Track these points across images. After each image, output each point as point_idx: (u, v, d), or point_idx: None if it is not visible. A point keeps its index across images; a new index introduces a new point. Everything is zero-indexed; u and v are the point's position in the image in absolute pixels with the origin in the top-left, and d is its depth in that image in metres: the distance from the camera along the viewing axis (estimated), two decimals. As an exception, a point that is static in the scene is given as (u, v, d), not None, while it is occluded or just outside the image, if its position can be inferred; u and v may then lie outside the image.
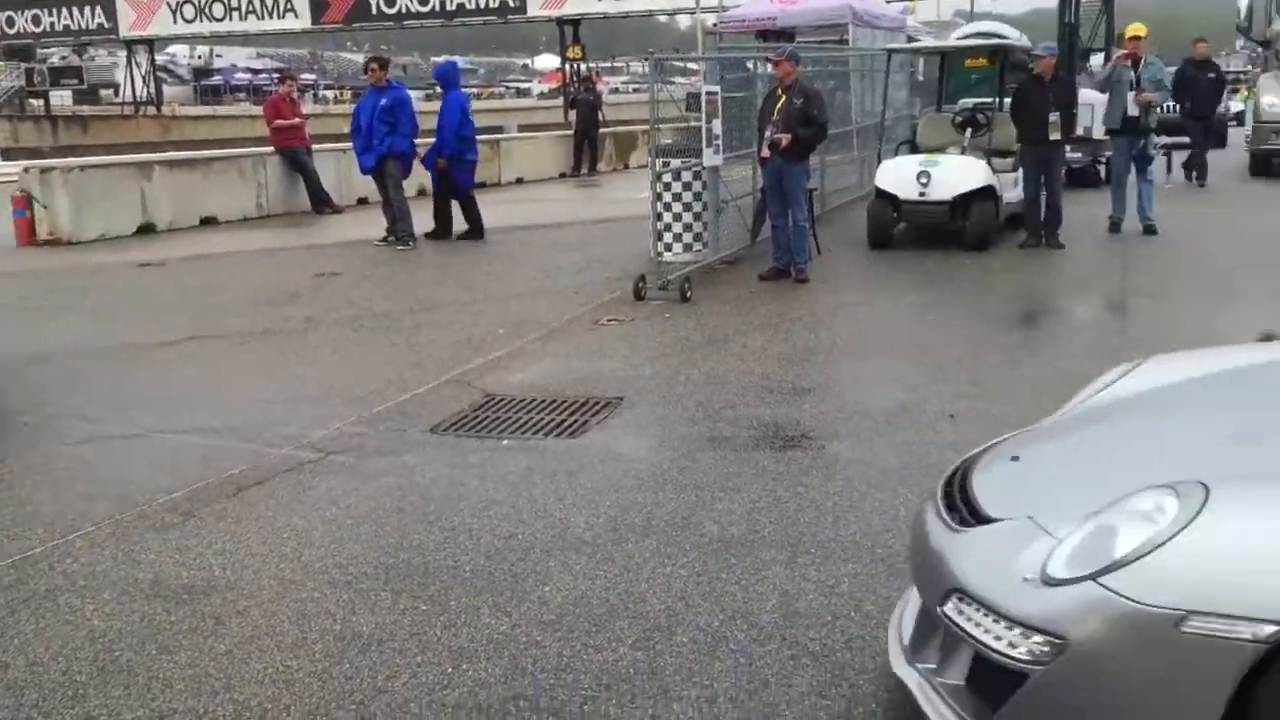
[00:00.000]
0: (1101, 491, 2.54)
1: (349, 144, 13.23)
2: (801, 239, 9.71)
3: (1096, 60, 24.79)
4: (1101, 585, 2.32)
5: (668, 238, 10.24)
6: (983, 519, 2.74)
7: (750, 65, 11.59)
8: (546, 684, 3.24)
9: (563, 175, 21.19)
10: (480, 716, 3.10)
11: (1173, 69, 15.02)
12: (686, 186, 10.22)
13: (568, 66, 30.15)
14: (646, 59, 10.49)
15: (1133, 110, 11.43)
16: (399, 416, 6.00)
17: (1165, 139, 14.77)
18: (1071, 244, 10.86)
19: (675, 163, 10.17)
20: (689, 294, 8.92)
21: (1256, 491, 2.47)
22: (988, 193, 10.93)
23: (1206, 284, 9.08)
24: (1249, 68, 22.14)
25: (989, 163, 11.10)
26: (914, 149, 12.05)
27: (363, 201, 15.30)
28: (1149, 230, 11.42)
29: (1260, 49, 20.02)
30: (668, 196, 10.24)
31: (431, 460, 5.27)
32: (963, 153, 11.37)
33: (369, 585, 3.94)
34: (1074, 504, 2.57)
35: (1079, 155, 14.62)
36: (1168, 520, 2.35)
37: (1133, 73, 11.54)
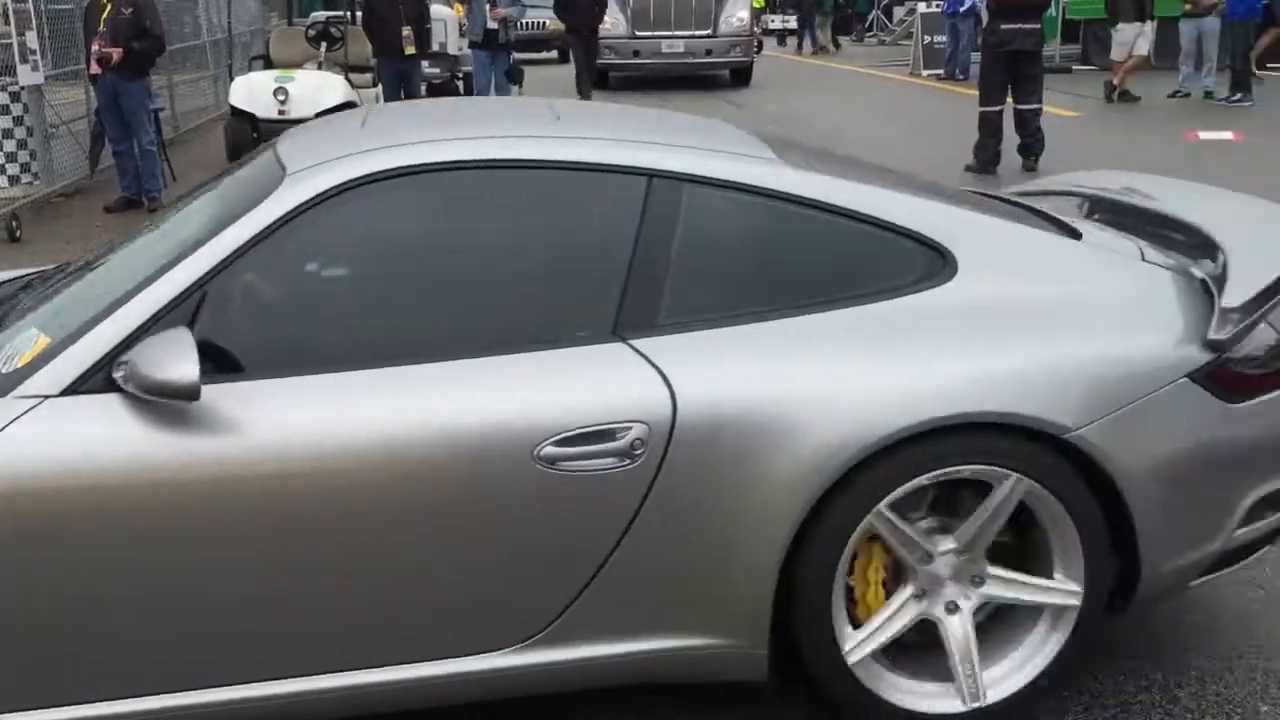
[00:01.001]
0: None
1: None
2: (151, 164, 8.92)
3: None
4: None
5: (-12, 169, 8.88)
6: None
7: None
8: None
9: None
10: None
11: None
12: (4, 110, 8.89)
13: None
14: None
15: (491, 24, 11.76)
16: None
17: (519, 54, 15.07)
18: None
19: (-15, 82, 8.79)
20: (19, 233, 7.83)
21: None
22: (349, 108, 10.76)
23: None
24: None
25: (347, 78, 10.91)
26: (269, 64, 11.52)
27: None
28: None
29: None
30: (-19, 122, 8.85)
31: None
32: (319, 68, 11.06)
33: None
34: None
35: (437, 70, 14.88)
36: None
37: None
